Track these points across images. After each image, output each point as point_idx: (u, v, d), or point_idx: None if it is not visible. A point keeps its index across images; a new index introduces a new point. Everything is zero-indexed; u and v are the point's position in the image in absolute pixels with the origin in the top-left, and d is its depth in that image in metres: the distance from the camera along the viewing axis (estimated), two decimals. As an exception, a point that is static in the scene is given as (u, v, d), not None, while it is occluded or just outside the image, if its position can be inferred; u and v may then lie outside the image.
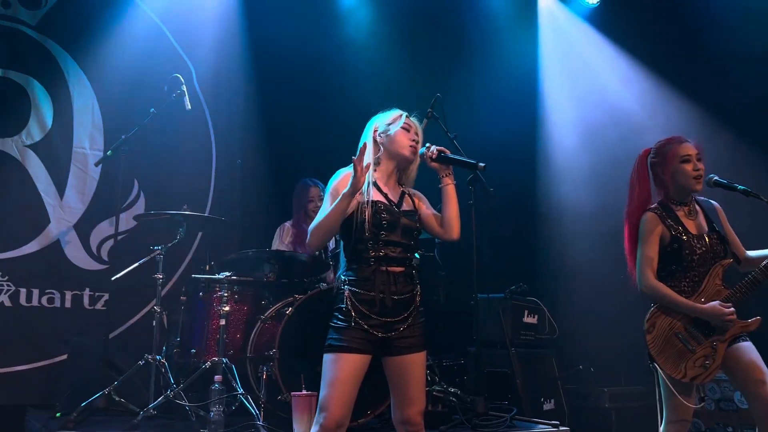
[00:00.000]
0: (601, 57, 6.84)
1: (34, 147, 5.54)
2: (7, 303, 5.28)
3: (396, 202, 2.93)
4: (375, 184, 2.92)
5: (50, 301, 5.45)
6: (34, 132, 5.56)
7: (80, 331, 5.34)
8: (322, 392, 2.70)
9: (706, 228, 3.26)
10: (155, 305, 4.59)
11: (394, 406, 2.85)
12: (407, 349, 2.79)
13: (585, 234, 6.33)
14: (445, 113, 4.90)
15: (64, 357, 5.26)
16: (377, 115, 3.09)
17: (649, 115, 6.25)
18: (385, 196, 2.92)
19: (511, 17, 7.04)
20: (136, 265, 4.66)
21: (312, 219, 5.40)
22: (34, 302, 5.39)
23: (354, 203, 2.81)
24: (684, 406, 3.11)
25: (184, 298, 4.80)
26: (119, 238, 5.27)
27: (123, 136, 4.94)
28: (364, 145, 2.84)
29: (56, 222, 5.56)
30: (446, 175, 3.00)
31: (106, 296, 5.49)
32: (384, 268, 2.78)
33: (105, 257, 5.69)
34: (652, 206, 3.30)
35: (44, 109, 5.61)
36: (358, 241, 2.83)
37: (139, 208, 5.87)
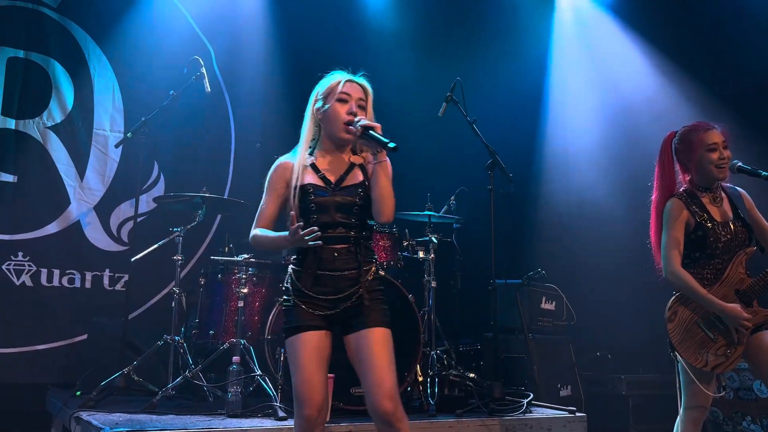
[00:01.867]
0: (617, 44, 6.76)
1: (55, 128, 5.58)
2: (29, 283, 5.34)
3: (336, 179, 2.71)
4: (313, 166, 2.74)
5: (71, 281, 5.51)
6: (55, 113, 5.59)
7: (100, 311, 5.40)
8: (292, 382, 2.60)
9: (730, 215, 3.21)
10: (174, 286, 4.63)
11: (365, 395, 2.61)
12: (362, 325, 2.61)
13: (604, 220, 6.29)
14: (464, 97, 4.86)
15: (84, 337, 5.33)
16: (320, 82, 2.84)
17: (667, 104, 6.18)
18: (322, 176, 2.72)
19: (526, 2, 6.98)
20: (156, 246, 4.70)
21: None
22: (55, 282, 5.45)
23: (292, 188, 2.71)
24: (703, 394, 3.09)
25: (203, 279, 4.83)
26: (139, 219, 5.30)
27: (143, 118, 4.95)
28: (292, 217, 2.56)
29: (77, 203, 5.61)
30: (373, 154, 2.68)
31: (126, 277, 5.53)
32: (317, 248, 2.61)
33: (125, 239, 5.74)
34: (677, 192, 3.26)
35: (65, 91, 5.64)
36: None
37: (159, 189, 5.90)
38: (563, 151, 6.94)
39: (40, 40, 5.58)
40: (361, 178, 2.73)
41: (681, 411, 3.19)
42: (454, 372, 4.72)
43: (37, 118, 5.54)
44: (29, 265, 5.36)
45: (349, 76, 2.80)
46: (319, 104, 2.76)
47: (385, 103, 6.39)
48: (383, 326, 2.63)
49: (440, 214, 5.26)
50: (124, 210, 5.76)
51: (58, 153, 5.58)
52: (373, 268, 2.72)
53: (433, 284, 4.92)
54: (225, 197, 5.71)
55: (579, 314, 5.79)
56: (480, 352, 5.43)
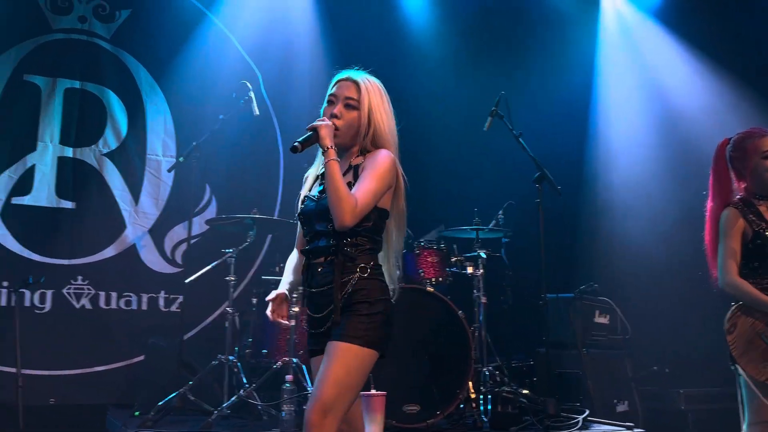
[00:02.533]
0: (664, 50, 6.65)
1: (110, 155, 5.76)
2: (88, 306, 5.50)
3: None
4: (318, 176, 2.55)
5: (128, 303, 5.65)
6: (110, 141, 5.78)
7: (156, 332, 5.51)
8: None
9: (789, 223, 3.12)
10: (228, 307, 4.72)
11: None
12: (328, 339, 2.36)
13: (657, 231, 6.16)
14: (510, 111, 4.85)
15: (142, 358, 5.45)
16: None
17: (719, 110, 6.04)
18: (320, 184, 2.51)
19: (571, 12, 6.92)
20: (209, 267, 4.79)
21: None
22: (113, 305, 5.60)
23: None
24: (767, 408, 2.99)
25: (256, 299, 4.91)
26: (192, 241, 5.41)
27: (194, 143, 5.07)
28: None
29: (132, 227, 5.76)
30: (323, 152, 2.40)
31: (181, 298, 5.65)
32: (309, 262, 2.46)
33: (179, 260, 5.86)
34: (733, 201, 3.18)
35: (119, 119, 5.82)
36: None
37: (211, 212, 6.02)
38: (613, 161, 6.83)
39: (95, 70, 5.78)
40: (350, 180, 2.44)
41: (744, 427, 3.08)
42: (506, 388, 4.68)
43: (93, 146, 5.72)
44: (88, 289, 5.52)
45: (345, 75, 2.60)
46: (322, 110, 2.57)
47: (431, 118, 6.48)
48: (346, 340, 2.30)
49: (488, 228, 5.24)
50: (178, 232, 5.89)
51: (114, 179, 5.75)
52: (354, 277, 2.39)
53: (483, 300, 4.90)
54: (275, 218, 5.80)
55: (634, 327, 5.66)
56: (533, 368, 5.37)
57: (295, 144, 2.38)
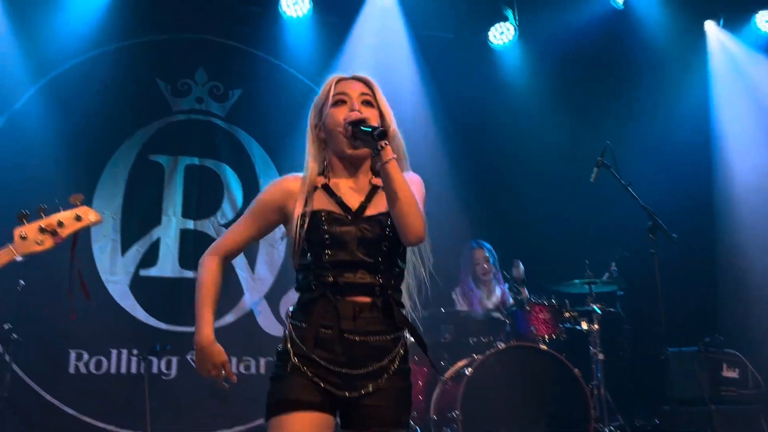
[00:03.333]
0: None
1: (227, 226, 6.07)
2: (210, 371, 5.72)
3: (357, 206, 2.07)
4: (325, 187, 2.12)
5: (247, 367, 5.85)
6: (227, 212, 6.10)
7: (274, 396, 5.64)
8: None
9: None
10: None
11: None
12: (375, 421, 1.97)
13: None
14: (616, 160, 4.78)
15: (261, 421, 5.57)
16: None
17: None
18: (339, 201, 2.08)
19: (677, 55, 6.74)
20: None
21: (482, 282, 5.42)
22: (233, 369, 5.77)
23: (295, 213, 2.08)
24: None
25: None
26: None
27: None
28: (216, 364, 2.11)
29: (249, 293, 6.01)
30: (376, 153, 1.98)
31: (296, 361, 5.77)
32: (331, 297, 1.99)
33: (294, 324, 6.01)
34: None
35: (235, 191, 6.15)
36: (302, 267, 2.08)
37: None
38: (734, 205, 6.51)
39: (212, 147, 6.17)
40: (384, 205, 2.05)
41: None
42: (631, 450, 4.47)
43: (212, 217, 6.06)
44: (210, 355, 5.75)
45: (346, 74, 2.23)
46: (317, 118, 2.19)
47: (534, 170, 6.43)
48: (402, 428, 2.00)
49: (601, 281, 5.10)
50: (292, 297, 6.05)
51: (231, 248, 6.03)
52: (406, 333, 2.07)
53: (600, 356, 4.74)
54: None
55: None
56: (658, 428, 5.10)
57: (382, 129, 2.01)
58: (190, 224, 6.00)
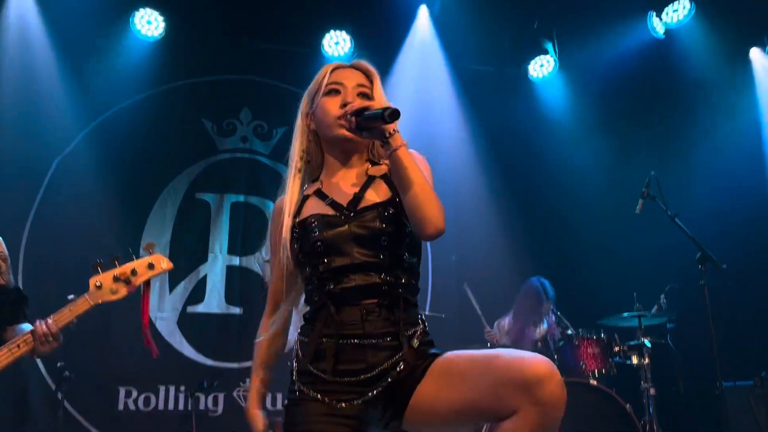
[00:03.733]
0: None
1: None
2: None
3: (349, 201, 1.92)
4: (318, 193, 1.99)
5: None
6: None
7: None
8: None
9: None
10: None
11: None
12: (416, 380, 1.79)
13: None
14: (662, 191, 4.71)
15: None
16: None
17: None
18: (332, 202, 1.93)
19: (721, 83, 6.63)
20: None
21: (538, 321, 5.37)
22: (279, 405, 5.75)
23: (285, 227, 1.95)
24: None
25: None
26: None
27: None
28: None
29: (293, 327, 6.00)
30: (385, 141, 1.84)
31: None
32: (332, 306, 1.86)
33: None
34: None
35: (279, 227, 6.22)
36: (305, 280, 1.98)
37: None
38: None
39: (256, 184, 6.28)
40: (388, 194, 1.91)
41: None
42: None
43: (257, 254, 6.13)
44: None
45: (346, 62, 2.09)
46: (309, 107, 2.06)
47: (583, 204, 6.33)
48: (441, 353, 1.84)
49: (651, 313, 5.00)
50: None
51: (277, 284, 6.08)
52: (420, 330, 1.88)
53: (652, 391, 4.62)
54: (426, 312, 5.86)
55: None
56: (715, 465, 4.93)
57: (395, 108, 1.81)
58: (236, 261, 6.08)
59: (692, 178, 6.09)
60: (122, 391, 5.53)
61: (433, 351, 1.86)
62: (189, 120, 6.26)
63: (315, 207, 1.94)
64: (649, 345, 4.75)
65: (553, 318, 5.36)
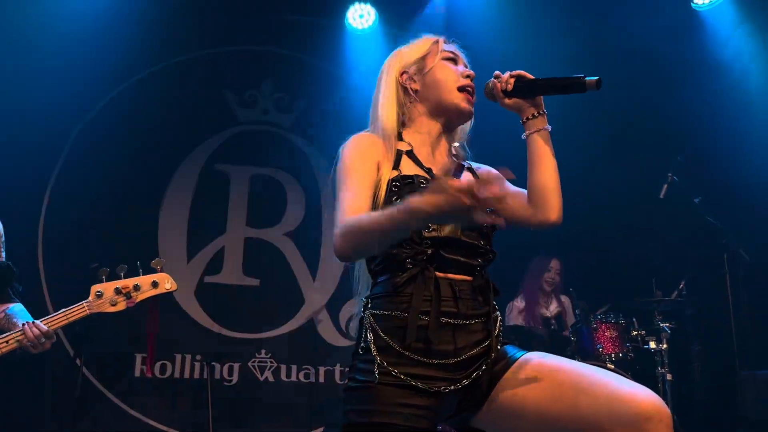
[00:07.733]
0: None
1: (290, 235, 6.14)
2: (271, 378, 5.79)
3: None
4: (410, 154, 1.86)
5: (306, 376, 5.89)
6: (290, 221, 6.16)
7: (334, 405, 5.68)
8: None
9: None
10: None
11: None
12: (498, 375, 1.71)
13: None
14: (687, 176, 4.64)
15: (321, 430, 5.62)
16: (394, 51, 2.05)
17: None
18: (429, 171, 1.83)
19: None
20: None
21: (547, 292, 5.34)
22: (293, 377, 5.86)
23: (383, 179, 1.79)
24: None
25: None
26: (364, 315, 5.55)
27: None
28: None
29: (310, 302, 6.05)
30: (532, 116, 1.83)
31: (356, 371, 5.78)
32: (431, 274, 1.70)
33: (353, 333, 6.04)
34: None
35: (297, 201, 6.21)
36: None
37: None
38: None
39: (276, 157, 6.25)
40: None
41: None
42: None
43: (275, 226, 6.13)
44: (271, 362, 5.83)
45: (444, 37, 2.06)
46: (412, 67, 1.97)
47: (604, 186, 6.22)
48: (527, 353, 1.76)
49: (670, 299, 4.95)
50: (351, 306, 6.10)
51: (293, 257, 6.09)
52: (500, 320, 1.83)
53: (669, 377, 4.59)
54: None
55: None
56: (731, 453, 4.91)
57: (595, 78, 1.76)
58: (254, 233, 6.08)
59: (717, 163, 5.98)
60: (138, 358, 5.58)
61: (509, 346, 1.80)
62: (210, 91, 6.22)
63: (414, 169, 1.83)
64: (667, 330, 4.71)
65: (569, 299, 5.35)
